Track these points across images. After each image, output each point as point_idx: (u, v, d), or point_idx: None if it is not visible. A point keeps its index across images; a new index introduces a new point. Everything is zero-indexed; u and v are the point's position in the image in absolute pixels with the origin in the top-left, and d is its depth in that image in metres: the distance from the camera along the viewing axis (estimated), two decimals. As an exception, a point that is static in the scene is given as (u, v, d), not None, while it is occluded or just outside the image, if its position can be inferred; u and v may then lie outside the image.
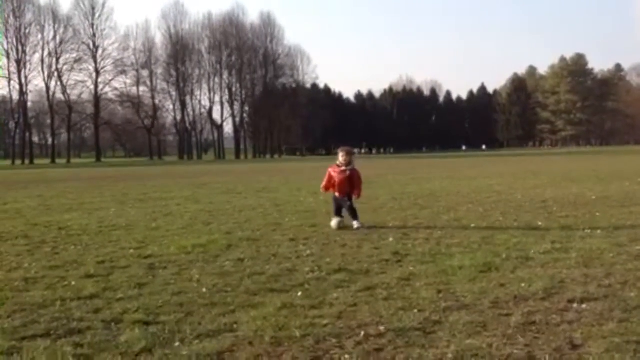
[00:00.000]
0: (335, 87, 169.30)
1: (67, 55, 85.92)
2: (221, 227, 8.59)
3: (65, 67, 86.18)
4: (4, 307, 4.37)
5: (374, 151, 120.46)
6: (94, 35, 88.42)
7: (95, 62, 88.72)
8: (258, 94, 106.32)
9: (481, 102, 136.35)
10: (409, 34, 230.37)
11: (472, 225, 8.23)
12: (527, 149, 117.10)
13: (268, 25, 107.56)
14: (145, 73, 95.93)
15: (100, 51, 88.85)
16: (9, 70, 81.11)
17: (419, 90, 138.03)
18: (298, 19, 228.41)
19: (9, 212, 11.68)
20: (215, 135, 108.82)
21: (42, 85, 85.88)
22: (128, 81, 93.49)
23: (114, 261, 6.13)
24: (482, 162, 42.04)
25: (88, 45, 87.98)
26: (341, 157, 8.76)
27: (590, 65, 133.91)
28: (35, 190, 18.62)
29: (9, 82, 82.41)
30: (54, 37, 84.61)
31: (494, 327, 3.69)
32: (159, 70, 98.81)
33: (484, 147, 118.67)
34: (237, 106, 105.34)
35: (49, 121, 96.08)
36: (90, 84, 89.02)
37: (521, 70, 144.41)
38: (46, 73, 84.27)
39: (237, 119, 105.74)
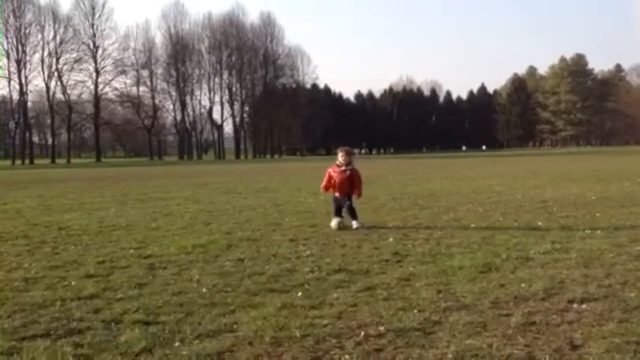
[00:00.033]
0: (335, 87, 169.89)
1: (67, 55, 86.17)
2: (221, 227, 8.59)
3: (65, 67, 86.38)
4: (4, 307, 4.37)
5: (374, 151, 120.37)
6: (94, 35, 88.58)
7: (95, 62, 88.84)
8: (258, 94, 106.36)
9: (481, 102, 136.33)
10: (409, 34, 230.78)
11: (472, 225, 8.23)
12: (527, 149, 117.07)
13: (268, 26, 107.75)
14: (145, 73, 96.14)
15: (100, 51, 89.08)
16: (9, 70, 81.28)
17: (419, 90, 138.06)
18: (298, 19, 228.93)
19: (9, 212, 11.68)
20: (215, 135, 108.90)
21: (42, 85, 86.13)
22: (128, 81, 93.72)
23: (114, 261, 6.13)
24: (482, 162, 42.05)
25: (88, 45, 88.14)
26: (341, 157, 8.76)
27: (590, 66, 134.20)
28: (35, 190, 18.62)
29: (9, 82, 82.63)
30: (54, 37, 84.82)
31: (494, 327, 3.69)
32: (159, 70, 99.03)
33: (484, 147, 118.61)
34: (237, 106, 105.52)
35: (49, 121, 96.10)
36: (90, 84, 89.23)
37: (521, 70, 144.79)
38: (46, 73, 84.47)
39: (237, 119, 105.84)
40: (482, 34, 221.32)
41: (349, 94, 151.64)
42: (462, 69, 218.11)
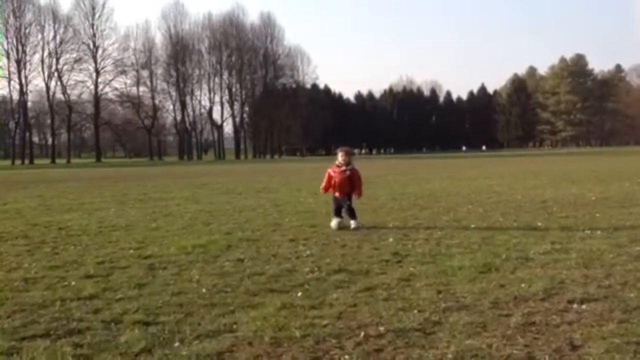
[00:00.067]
0: (335, 87, 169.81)
1: (67, 55, 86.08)
2: (221, 228, 8.59)
3: (65, 67, 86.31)
4: (4, 307, 4.37)
5: (374, 151, 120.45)
6: (94, 35, 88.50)
7: (95, 62, 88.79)
8: (258, 94, 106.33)
9: (481, 102, 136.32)
10: (409, 34, 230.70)
11: (472, 225, 8.24)
12: (527, 149, 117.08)
13: (268, 26, 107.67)
14: (145, 73, 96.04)
15: (100, 51, 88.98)
16: (9, 70, 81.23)
17: (419, 91, 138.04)
18: (298, 19, 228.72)
19: (9, 212, 11.68)
20: (215, 135, 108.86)
21: (42, 85, 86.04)
22: (128, 81, 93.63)
23: (113, 261, 6.13)
24: (482, 162, 42.05)
25: (88, 46, 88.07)
26: (340, 157, 8.76)
27: (590, 66, 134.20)
28: (35, 190, 18.62)
29: (9, 82, 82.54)
30: (54, 37, 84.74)
31: (493, 327, 3.69)
32: (159, 71, 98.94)
33: (484, 147, 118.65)
34: (237, 106, 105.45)
35: (49, 121, 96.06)
36: (90, 84, 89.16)
37: (521, 70, 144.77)
38: (46, 73, 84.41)
39: (237, 119, 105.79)
40: (482, 34, 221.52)
41: (349, 94, 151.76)
42: (462, 69, 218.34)
